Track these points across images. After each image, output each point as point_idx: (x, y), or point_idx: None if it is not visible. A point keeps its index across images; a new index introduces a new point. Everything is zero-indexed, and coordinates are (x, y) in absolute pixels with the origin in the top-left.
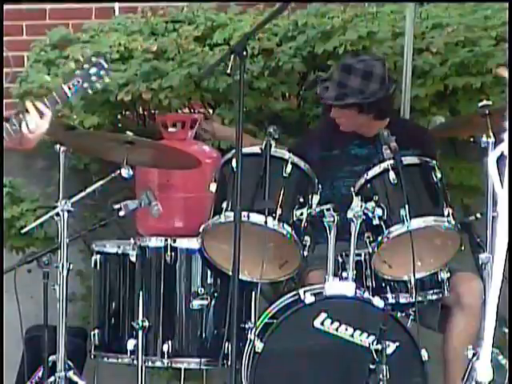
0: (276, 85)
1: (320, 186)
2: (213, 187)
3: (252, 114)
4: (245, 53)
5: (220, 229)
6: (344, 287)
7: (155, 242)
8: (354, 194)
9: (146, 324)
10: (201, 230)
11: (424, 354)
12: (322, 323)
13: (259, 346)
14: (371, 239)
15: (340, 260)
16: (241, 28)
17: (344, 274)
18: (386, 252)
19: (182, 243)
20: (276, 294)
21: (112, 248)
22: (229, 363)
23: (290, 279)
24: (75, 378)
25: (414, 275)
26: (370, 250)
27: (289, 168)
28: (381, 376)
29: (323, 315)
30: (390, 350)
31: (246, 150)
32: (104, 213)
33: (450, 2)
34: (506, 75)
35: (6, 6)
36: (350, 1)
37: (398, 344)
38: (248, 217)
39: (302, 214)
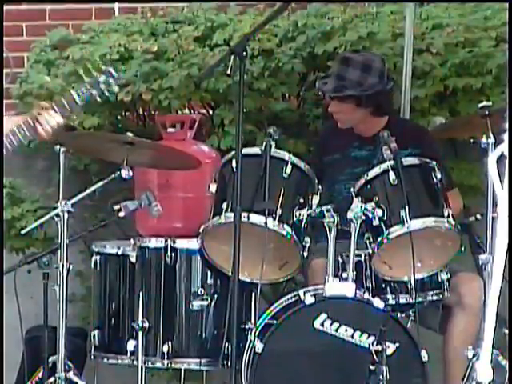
0: (276, 85)
1: (320, 187)
2: (212, 188)
3: (252, 115)
4: (245, 53)
5: (220, 229)
6: (344, 288)
7: (155, 243)
8: (354, 194)
9: (146, 325)
10: (201, 230)
11: (424, 354)
12: (322, 324)
13: (259, 346)
14: (371, 240)
15: (340, 261)
16: (241, 29)
17: (344, 275)
18: (386, 253)
19: (182, 244)
20: (276, 295)
21: (112, 249)
22: (229, 364)
23: (290, 280)
24: (75, 379)
25: (414, 276)
26: (370, 251)
27: (289, 169)
28: (381, 377)
29: (323, 316)
30: (390, 351)
31: (246, 150)
32: (104, 213)
33: (449, 2)
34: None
35: (6, 7)
36: (350, 1)
37: (398, 345)
38: (248, 217)
39: (301, 215)
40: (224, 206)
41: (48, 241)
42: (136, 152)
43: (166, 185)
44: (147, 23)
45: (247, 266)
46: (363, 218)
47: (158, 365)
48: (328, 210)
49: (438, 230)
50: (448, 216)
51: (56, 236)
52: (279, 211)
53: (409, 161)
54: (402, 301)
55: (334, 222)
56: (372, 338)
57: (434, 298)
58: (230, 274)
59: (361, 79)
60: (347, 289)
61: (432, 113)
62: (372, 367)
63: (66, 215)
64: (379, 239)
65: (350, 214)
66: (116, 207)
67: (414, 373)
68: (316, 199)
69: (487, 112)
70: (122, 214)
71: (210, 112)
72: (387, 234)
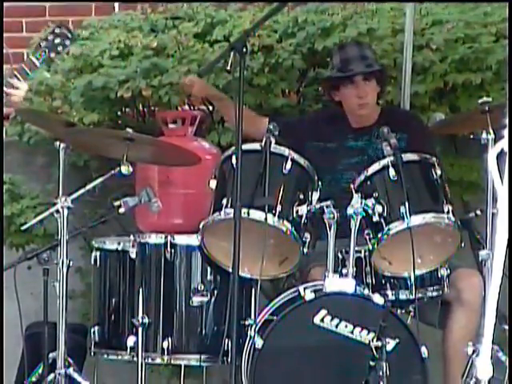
0: (276, 81)
1: (320, 183)
2: (213, 184)
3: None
4: (245, 49)
5: (220, 225)
6: (344, 284)
7: (155, 239)
8: (354, 190)
9: (146, 321)
10: (201, 226)
11: (424, 350)
12: (322, 320)
13: (259, 342)
14: (371, 236)
15: (340, 257)
16: (240, 25)
17: (344, 271)
18: (386, 249)
19: (182, 240)
20: (276, 291)
21: (112, 245)
22: (229, 360)
23: (290, 276)
24: (75, 375)
25: (414, 272)
26: (370, 247)
27: (289, 164)
28: (381, 373)
29: (323, 312)
30: (389, 347)
31: (245, 146)
32: (104, 209)
33: (449, 2)
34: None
35: (5, 3)
36: (350, 1)
37: (397, 341)
38: (248, 213)
39: (301, 211)
40: (224, 201)
41: (48, 237)
42: (136, 148)
43: (167, 181)
44: (147, 19)
45: (247, 261)
46: (363, 214)
47: (158, 361)
48: (328, 206)
49: (438, 225)
50: (448, 212)
51: (56, 232)
52: (279, 207)
53: (409, 157)
54: (402, 297)
55: (333, 218)
56: (372, 334)
57: (434, 293)
58: (229, 269)
59: (372, 56)
60: (347, 285)
61: (432, 109)
62: (372, 363)
63: (65, 211)
64: (379, 235)
65: (349, 210)
66: (116, 203)
67: (414, 369)
68: (316, 195)
69: (487, 108)
70: (121, 210)
71: (210, 108)
72: (387, 230)
